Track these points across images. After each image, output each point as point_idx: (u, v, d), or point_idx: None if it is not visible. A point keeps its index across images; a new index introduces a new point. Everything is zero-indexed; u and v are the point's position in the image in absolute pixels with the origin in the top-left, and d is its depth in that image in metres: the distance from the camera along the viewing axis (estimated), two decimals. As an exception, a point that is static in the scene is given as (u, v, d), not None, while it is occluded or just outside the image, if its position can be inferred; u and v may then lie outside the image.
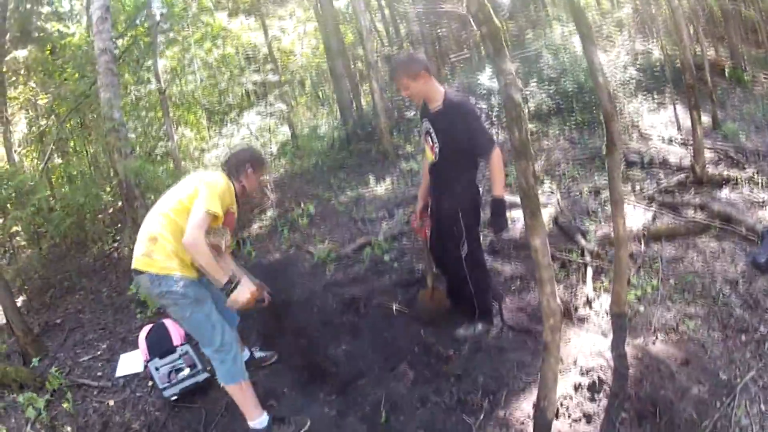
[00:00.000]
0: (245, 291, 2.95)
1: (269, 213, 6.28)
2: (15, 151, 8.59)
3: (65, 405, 3.84)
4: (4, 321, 4.85)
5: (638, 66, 8.20)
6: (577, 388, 3.13)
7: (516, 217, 5.17)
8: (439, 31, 9.92)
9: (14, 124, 9.19)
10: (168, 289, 2.89)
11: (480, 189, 3.72)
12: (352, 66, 9.35)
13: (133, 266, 2.97)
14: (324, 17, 8.83)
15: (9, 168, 7.23)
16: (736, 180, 5.37)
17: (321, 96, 11.48)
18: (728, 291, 3.89)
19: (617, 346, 3.40)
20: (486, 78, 8.19)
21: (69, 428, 3.69)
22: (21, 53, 8.07)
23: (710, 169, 5.63)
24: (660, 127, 7.33)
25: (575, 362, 3.32)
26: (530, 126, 7.60)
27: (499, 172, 3.35)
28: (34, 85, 8.58)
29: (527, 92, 7.81)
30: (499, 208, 3.39)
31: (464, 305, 3.88)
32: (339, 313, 4.36)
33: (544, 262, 2.65)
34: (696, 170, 5.55)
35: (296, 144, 8.60)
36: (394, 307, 4.25)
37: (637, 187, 5.67)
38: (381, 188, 6.88)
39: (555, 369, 2.83)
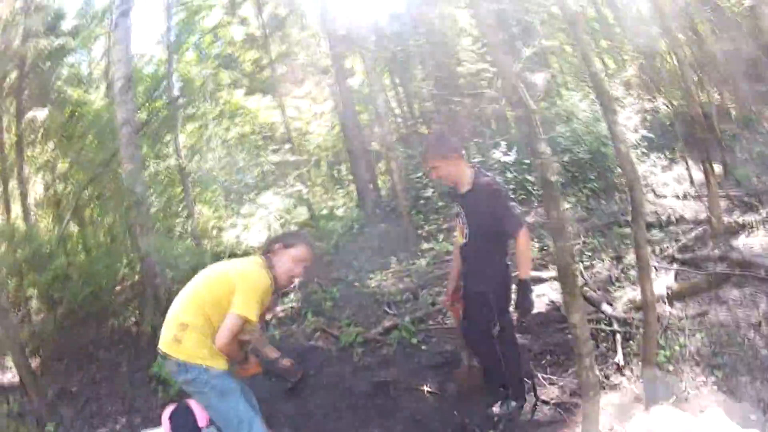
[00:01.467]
0: (252, 361, 3.10)
1: (292, 296, 6.26)
2: (33, 213, 8.65)
3: None
4: (17, 380, 4.84)
5: (647, 125, 8.31)
6: (611, 455, 3.06)
7: (541, 292, 5.18)
8: (452, 107, 10.12)
9: (32, 184, 9.29)
10: (195, 377, 2.83)
11: (510, 268, 3.67)
12: (369, 145, 9.47)
13: (160, 347, 2.90)
14: (340, 97, 8.97)
15: (26, 229, 7.27)
16: (752, 224, 5.40)
17: (337, 176, 11.60)
18: (752, 335, 3.88)
19: (650, 407, 3.36)
20: (500, 154, 8.27)
21: None
22: (40, 114, 8.21)
23: (726, 218, 5.64)
24: (673, 183, 7.39)
25: (611, 428, 3.28)
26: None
27: (526, 253, 3.37)
28: (52, 146, 8.69)
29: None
30: (526, 290, 3.38)
31: (497, 383, 3.82)
32: (369, 396, 4.30)
33: (583, 337, 2.65)
34: (712, 222, 5.53)
35: (316, 225, 8.61)
36: (425, 389, 4.19)
37: (657, 249, 5.67)
38: (404, 269, 6.88)
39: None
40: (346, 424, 3.96)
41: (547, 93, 8.83)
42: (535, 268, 5.47)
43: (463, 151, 3.53)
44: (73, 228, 8.74)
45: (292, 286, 3.28)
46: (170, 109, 7.84)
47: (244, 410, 2.89)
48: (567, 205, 7.39)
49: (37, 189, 9.60)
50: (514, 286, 3.63)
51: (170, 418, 3.70)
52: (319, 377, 4.67)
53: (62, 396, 5.06)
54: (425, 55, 10.18)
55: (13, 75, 8.06)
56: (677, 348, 3.99)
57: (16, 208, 9.05)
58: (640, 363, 3.84)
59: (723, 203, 5.99)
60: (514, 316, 3.83)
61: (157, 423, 4.07)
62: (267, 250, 3.10)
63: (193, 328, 2.82)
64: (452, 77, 9.08)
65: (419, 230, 7.93)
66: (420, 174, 9.18)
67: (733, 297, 4.43)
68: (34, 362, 5.69)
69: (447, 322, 5.22)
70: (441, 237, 7.55)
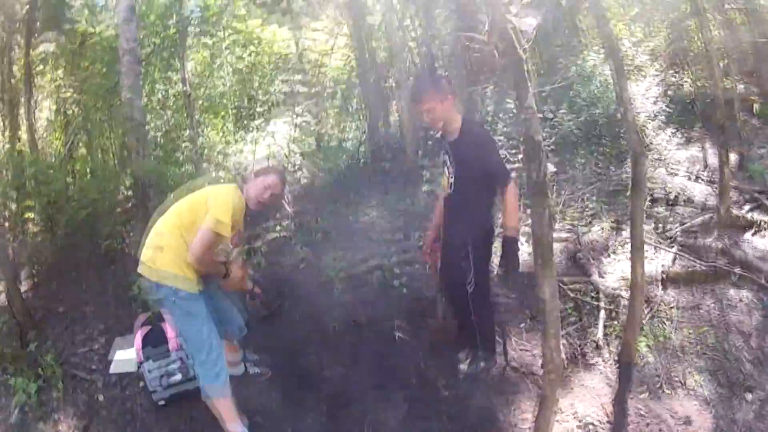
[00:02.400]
0: (236, 274, 3.24)
1: (284, 224, 6.21)
2: (39, 138, 8.72)
3: (55, 393, 3.88)
4: (5, 302, 4.90)
5: (669, 99, 7.99)
6: (573, 441, 3.00)
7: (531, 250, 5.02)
8: (472, 53, 9.82)
9: (41, 110, 9.36)
10: (164, 296, 2.99)
11: (494, 224, 3.59)
12: (384, 83, 9.23)
13: (138, 269, 3.07)
14: (357, 32, 8.76)
15: (30, 154, 7.32)
16: (760, 224, 5.16)
17: (351, 110, 11.43)
18: (741, 344, 3.75)
19: (621, 399, 3.32)
20: (513, 104, 7.99)
21: (56, 416, 3.74)
22: (49, 46, 8.20)
23: (735, 211, 5.42)
24: (687, 163, 7.11)
25: (575, 413, 3.22)
26: (555, 158, 7.45)
27: (512, 208, 3.23)
28: (61, 74, 8.68)
29: (556, 120, 7.65)
30: (511, 246, 3.24)
31: (468, 340, 3.75)
32: (341, 334, 4.31)
33: (553, 315, 2.54)
34: (720, 212, 5.35)
35: (321, 156, 8.53)
36: (398, 334, 4.16)
37: (660, 227, 5.48)
38: (401, 208, 6.76)
39: (550, 424, 2.71)
40: (313, 361, 4.01)
41: (570, 52, 8.51)
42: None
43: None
44: (83, 151, 8.85)
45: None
46: (179, 35, 7.71)
47: (207, 334, 3.03)
48: (576, 165, 7.20)
49: (45, 115, 9.71)
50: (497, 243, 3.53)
51: (142, 340, 3.79)
52: (295, 310, 4.68)
53: (49, 317, 5.14)
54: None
55: (25, 9, 8.04)
56: (661, 338, 3.89)
57: (24, 137, 9.19)
58: (619, 346, 3.76)
59: (734, 196, 5.74)
60: (495, 273, 3.72)
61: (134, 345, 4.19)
62: (243, 179, 3.32)
63: (168, 249, 2.98)
64: (473, 21, 8.77)
65: (423, 171, 7.80)
66: None
67: (728, 297, 4.28)
68: (27, 285, 5.82)
69: (429, 269, 5.13)
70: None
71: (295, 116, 8.07)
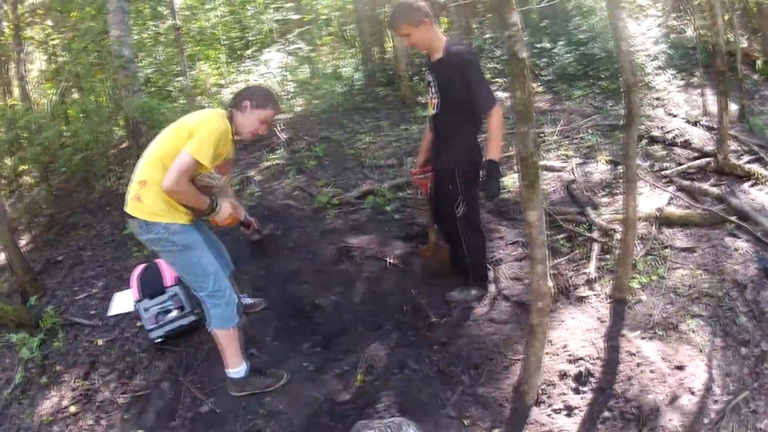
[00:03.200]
0: (225, 209, 2.98)
1: (278, 152, 6.16)
2: (31, 90, 8.64)
3: (56, 344, 3.87)
4: (6, 260, 4.88)
5: (670, 42, 7.84)
6: (562, 376, 3.03)
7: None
8: None
9: (31, 62, 9.25)
10: (156, 236, 2.85)
11: (481, 148, 3.54)
12: (378, 9, 9.03)
13: (125, 209, 2.92)
14: None
15: (21, 106, 7.23)
16: (758, 177, 5.08)
17: (346, 37, 11.21)
18: (735, 294, 3.68)
19: (612, 337, 3.29)
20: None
21: (59, 367, 3.73)
22: None
23: (733, 160, 5.38)
24: (686, 107, 7.02)
25: (565, 347, 3.20)
26: (552, 89, 7.35)
27: (496, 133, 3.19)
28: (51, 23, 8.53)
29: (554, 51, 7.53)
30: (494, 171, 3.21)
31: (459, 267, 3.79)
32: (333, 261, 4.32)
33: (539, 239, 2.52)
34: (718, 158, 5.32)
35: (315, 84, 8.42)
36: (388, 261, 4.17)
37: (656, 166, 5.45)
38: (394, 134, 6.69)
39: (540, 354, 2.73)
40: (306, 288, 4.02)
41: None
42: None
43: (432, 18, 3.26)
44: (76, 96, 8.76)
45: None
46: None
47: (208, 263, 2.96)
48: (573, 98, 7.17)
49: (37, 66, 9.60)
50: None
51: (139, 277, 3.81)
52: (288, 237, 4.68)
53: (48, 267, 5.17)
54: None
55: None
56: (655, 278, 3.85)
57: (16, 92, 9.09)
58: (612, 282, 3.75)
59: (733, 146, 5.69)
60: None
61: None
62: (234, 104, 3.02)
63: (151, 182, 2.81)
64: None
65: (418, 97, 7.71)
66: None
67: (724, 245, 4.22)
68: (26, 238, 5.83)
69: (421, 194, 5.13)
70: None
71: (288, 44, 7.95)
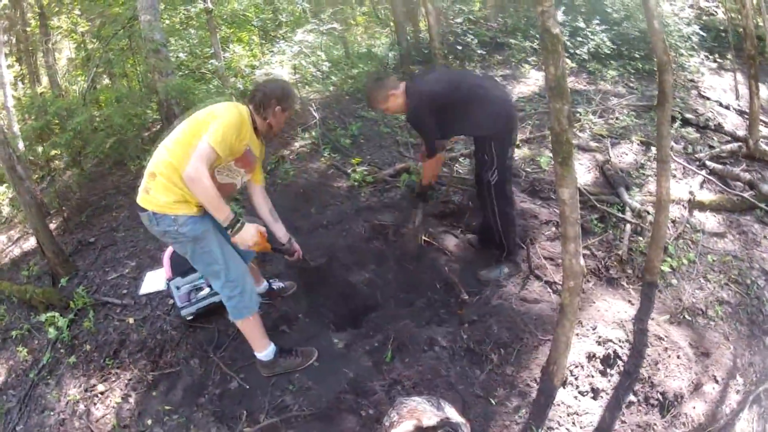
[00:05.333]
0: (248, 233, 2.78)
1: (313, 132, 6.17)
2: (62, 78, 8.77)
3: (86, 323, 3.92)
4: (37, 244, 4.92)
5: (702, 23, 7.67)
6: (590, 357, 3.02)
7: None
8: None
9: (59, 51, 9.38)
10: (165, 228, 2.78)
11: (515, 115, 3.61)
12: None
13: (137, 200, 2.85)
14: None
15: (50, 94, 7.31)
16: None
17: (380, 16, 11.15)
18: (763, 283, 3.68)
19: (641, 320, 3.29)
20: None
21: (88, 346, 3.78)
22: None
23: (764, 146, 5.30)
24: (719, 90, 6.88)
25: (594, 328, 3.19)
26: (587, 69, 7.24)
27: (426, 174, 3.89)
28: (78, 12, 8.62)
29: (588, 31, 7.41)
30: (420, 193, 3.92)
31: (493, 245, 3.84)
32: (367, 239, 4.32)
33: (571, 217, 2.49)
34: (749, 143, 5.27)
35: (349, 63, 8.40)
36: (423, 238, 4.15)
37: (689, 148, 5.36)
38: None
39: (569, 334, 2.71)
40: (339, 266, 4.03)
41: None
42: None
43: (400, 84, 3.55)
44: (107, 82, 8.88)
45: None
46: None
47: (219, 254, 2.87)
48: (607, 78, 7.08)
49: (65, 55, 9.73)
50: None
51: (170, 257, 3.86)
52: (323, 216, 4.69)
53: (80, 249, 5.22)
54: None
55: None
56: (685, 261, 3.84)
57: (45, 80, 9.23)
58: (643, 264, 3.71)
59: (765, 131, 5.62)
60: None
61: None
62: (258, 104, 2.93)
63: (160, 175, 2.74)
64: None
65: None
66: (461, 20, 8.82)
67: (754, 231, 4.22)
68: (57, 221, 5.91)
69: (460, 170, 5.12)
70: None
71: (321, 24, 7.93)
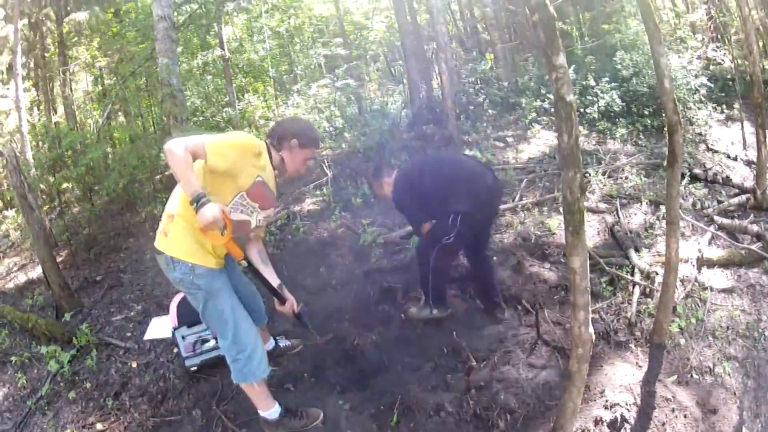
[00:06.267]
0: (211, 209, 2.41)
1: (324, 189, 6.20)
2: (77, 108, 8.89)
3: (88, 362, 3.92)
4: (43, 275, 4.97)
5: (710, 73, 7.74)
6: (597, 422, 2.97)
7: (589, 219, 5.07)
8: (514, 17, 9.65)
9: (76, 82, 9.53)
10: (181, 276, 2.72)
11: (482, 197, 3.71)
12: (426, 46, 9.11)
13: (155, 242, 2.81)
14: None
15: (65, 125, 7.42)
16: None
17: (394, 73, 11.33)
18: None
19: (649, 382, 3.25)
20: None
21: (89, 384, 3.78)
22: (80, 15, 8.25)
23: (772, 194, 5.28)
24: (727, 141, 6.92)
25: (602, 392, 3.16)
26: (596, 128, 7.29)
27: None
28: (96, 45, 8.79)
29: (598, 89, 7.48)
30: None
31: (490, 302, 4.04)
32: (375, 301, 4.32)
33: (582, 285, 2.47)
34: (757, 194, 5.26)
35: (362, 120, 8.49)
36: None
37: (698, 204, 5.36)
38: None
39: (576, 401, 2.67)
40: (347, 328, 4.01)
41: (610, 17, 8.29)
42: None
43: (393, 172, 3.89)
44: (121, 120, 9.02)
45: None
46: (215, 1, 7.73)
47: (230, 314, 2.81)
48: (616, 136, 7.13)
49: (82, 87, 9.88)
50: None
51: (178, 305, 3.85)
52: (332, 275, 4.71)
53: (86, 285, 5.27)
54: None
55: None
56: (694, 321, 3.81)
57: (60, 109, 9.37)
58: (652, 325, 3.68)
59: None
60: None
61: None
62: (276, 139, 2.91)
63: (179, 216, 2.71)
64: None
65: (464, 135, 7.72)
66: (473, 78, 8.90)
67: (762, 283, 4.19)
68: (65, 254, 5.96)
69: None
70: (485, 145, 7.36)
71: (336, 79, 8.02)
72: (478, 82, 8.96)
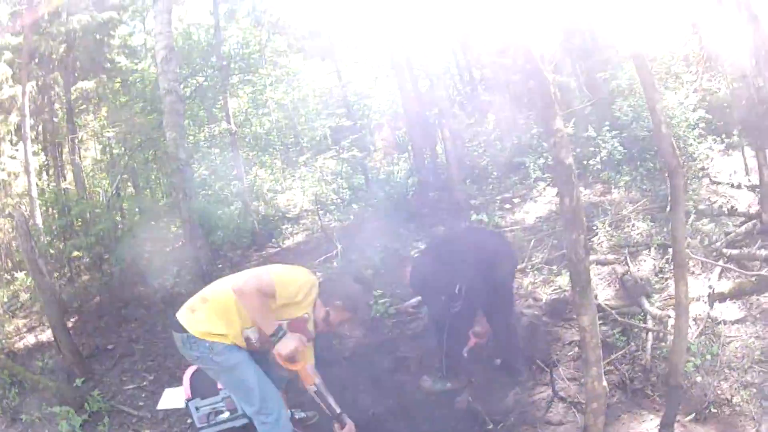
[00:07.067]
0: (290, 342, 2.79)
1: (334, 263, 6.24)
2: (85, 177, 9.06)
3: (101, 428, 3.95)
4: (53, 338, 5.02)
5: (707, 104, 7.80)
6: (618, 471, 2.93)
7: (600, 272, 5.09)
8: (512, 77, 9.81)
9: (85, 149, 9.72)
10: (199, 354, 2.84)
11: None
12: (427, 112, 9.28)
13: (178, 315, 2.91)
14: (398, 62, 8.81)
15: (75, 193, 7.54)
16: None
17: (399, 141, 11.53)
18: None
19: (667, 425, 3.19)
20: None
21: None
22: (88, 84, 8.48)
23: (777, 217, 5.25)
24: (729, 170, 6.93)
25: (621, 442, 3.11)
26: (599, 178, 7.33)
27: None
28: (105, 114, 9.01)
29: (600, 138, 7.54)
30: None
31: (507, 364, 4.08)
32: (390, 371, 4.35)
33: (592, 343, 2.50)
34: (763, 217, 5.23)
35: (369, 191, 8.61)
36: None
37: (705, 240, 5.33)
38: None
39: (594, 454, 2.65)
40: (363, 399, 4.00)
41: (606, 64, 8.39)
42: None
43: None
44: (130, 191, 9.17)
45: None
46: (220, 74, 7.95)
47: (254, 383, 2.89)
48: (620, 184, 7.11)
49: (91, 155, 10.08)
50: None
51: (191, 377, 3.86)
52: (344, 347, 4.74)
53: (97, 353, 5.31)
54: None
55: (61, 48, 8.35)
56: (708, 357, 3.77)
57: (69, 176, 9.54)
58: (666, 369, 3.65)
59: None
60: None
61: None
62: (327, 294, 3.13)
63: (212, 302, 2.85)
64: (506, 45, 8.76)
65: (472, 200, 7.75)
66: (476, 143, 8.98)
67: None
68: (75, 321, 5.99)
69: None
70: (492, 208, 7.38)
71: (341, 151, 8.13)
72: (482, 145, 9.04)
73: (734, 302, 4.37)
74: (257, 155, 9.70)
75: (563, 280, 5.07)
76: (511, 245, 4.89)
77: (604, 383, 2.57)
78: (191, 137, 8.18)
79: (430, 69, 8.45)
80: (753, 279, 4.45)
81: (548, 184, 7.61)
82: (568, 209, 2.35)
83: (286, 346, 2.76)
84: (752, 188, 6.33)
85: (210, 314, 2.83)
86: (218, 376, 2.95)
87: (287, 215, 8.42)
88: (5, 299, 7.28)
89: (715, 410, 3.32)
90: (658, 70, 7.91)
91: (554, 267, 5.42)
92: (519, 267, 5.49)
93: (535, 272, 5.42)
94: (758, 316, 4.10)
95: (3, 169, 9.07)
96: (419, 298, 5.18)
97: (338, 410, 3.17)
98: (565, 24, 7.81)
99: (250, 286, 2.68)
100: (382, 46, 10.09)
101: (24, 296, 7.30)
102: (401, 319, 5.09)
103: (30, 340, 5.96)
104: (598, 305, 4.34)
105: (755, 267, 4.68)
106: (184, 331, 2.82)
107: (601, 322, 4.04)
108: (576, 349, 4.16)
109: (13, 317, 6.90)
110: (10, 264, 8.82)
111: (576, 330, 4.30)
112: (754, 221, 5.36)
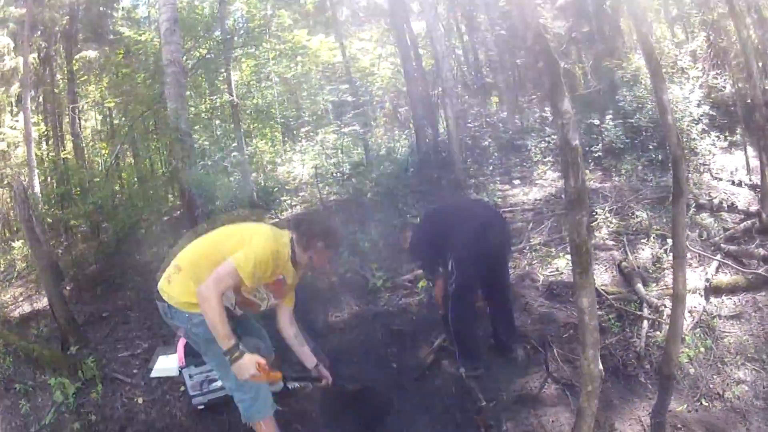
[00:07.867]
0: (246, 364, 2.59)
1: None
2: (85, 147, 9.02)
3: (93, 395, 3.94)
4: (48, 306, 4.99)
5: (711, 101, 7.79)
6: (607, 456, 2.95)
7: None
8: (517, 59, 9.77)
9: (85, 120, 9.67)
10: (179, 324, 2.81)
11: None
12: (431, 91, 9.22)
13: (159, 284, 2.86)
14: (402, 40, 8.76)
15: (73, 162, 7.52)
16: None
17: (400, 118, 11.47)
18: None
19: (659, 413, 3.25)
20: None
21: (93, 417, 3.80)
22: (91, 53, 8.42)
23: (777, 217, 5.26)
24: (731, 168, 6.94)
25: (612, 426, 3.17)
26: (601, 166, 7.33)
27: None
28: (106, 85, 8.95)
29: (603, 126, 7.52)
30: None
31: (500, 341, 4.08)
32: (384, 344, 4.33)
33: (590, 324, 2.50)
34: (762, 217, 5.23)
35: (369, 165, 8.57)
36: (438, 344, 4.16)
37: (704, 234, 5.35)
38: None
39: (586, 436, 2.66)
40: (355, 369, 4.00)
41: (612, 53, 8.37)
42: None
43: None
44: (130, 160, 9.13)
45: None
46: (224, 47, 7.88)
47: None
48: (621, 172, 7.14)
49: (91, 124, 10.03)
50: None
51: (185, 345, 3.85)
52: (340, 319, 4.73)
53: (92, 321, 5.29)
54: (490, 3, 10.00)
55: (64, 20, 8.27)
56: (703, 349, 3.80)
57: (69, 145, 9.51)
58: (661, 357, 3.68)
59: None
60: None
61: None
62: (302, 235, 2.91)
63: (186, 271, 2.78)
64: (514, 27, 8.73)
65: (471, 179, 7.76)
66: (478, 123, 8.96)
67: None
68: (71, 288, 5.99)
69: None
70: (491, 187, 7.38)
71: (343, 126, 8.10)
72: (484, 125, 9.02)
73: (730, 298, 4.38)
74: (258, 127, 9.66)
75: (561, 262, 5.08)
76: (506, 220, 4.95)
77: (600, 366, 2.58)
78: (192, 108, 8.12)
79: (435, 48, 8.38)
80: (750, 277, 4.47)
81: (548, 168, 7.59)
82: (572, 190, 2.34)
83: (241, 370, 2.60)
84: (753, 187, 6.35)
85: (184, 284, 2.74)
86: (199, 347, 2.87)
87: (286, 186, 8.43)
88: (2, 268, 7.27)
89: (707, 403, 3.34)
90: (665, 63, 7.87)
91: (552, 249, 5.43)
92: (517, 247, 5.52)
93: (533, 253, 5.42)
94: (753, 314, 4.12)
95: (3, 140, 9.04)
96: (415, 272, 5.24)
97: (312, 364, 3.19)
98: (573, 10, 7.79)
99: (208, 287, 2.56)
100: (386, 24, 10.03)
101: (21, 265, 7.28)
102: (396, 293, 5.09)
103: (26, 308, 5.96)
104: (596, 290, 4.35)
105: (752, 265, 4.70)
106: (164, 300, 2.79)
107: (597, 306, 4.04)
108: (571, 331, 4.17)
109: (9, 286, 6.90)
110: (7, 233, 8.82)
111: (572, 313, 4.35)
112: (753, 220, 5.38)
